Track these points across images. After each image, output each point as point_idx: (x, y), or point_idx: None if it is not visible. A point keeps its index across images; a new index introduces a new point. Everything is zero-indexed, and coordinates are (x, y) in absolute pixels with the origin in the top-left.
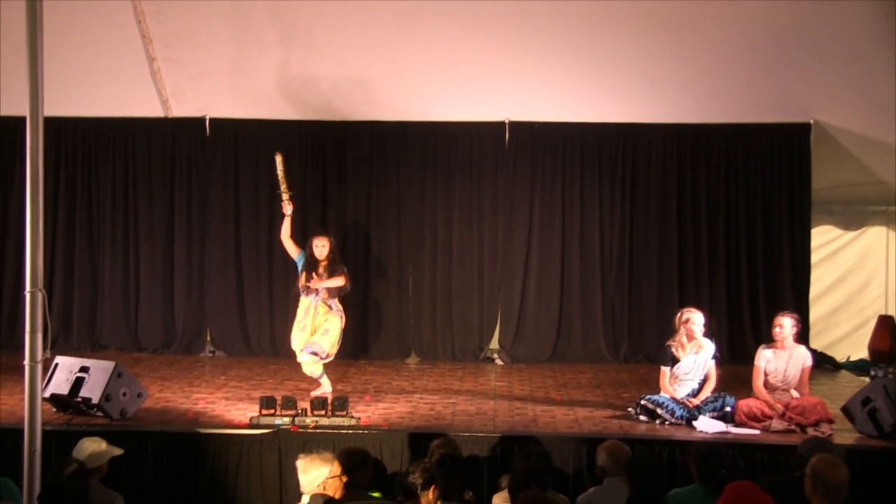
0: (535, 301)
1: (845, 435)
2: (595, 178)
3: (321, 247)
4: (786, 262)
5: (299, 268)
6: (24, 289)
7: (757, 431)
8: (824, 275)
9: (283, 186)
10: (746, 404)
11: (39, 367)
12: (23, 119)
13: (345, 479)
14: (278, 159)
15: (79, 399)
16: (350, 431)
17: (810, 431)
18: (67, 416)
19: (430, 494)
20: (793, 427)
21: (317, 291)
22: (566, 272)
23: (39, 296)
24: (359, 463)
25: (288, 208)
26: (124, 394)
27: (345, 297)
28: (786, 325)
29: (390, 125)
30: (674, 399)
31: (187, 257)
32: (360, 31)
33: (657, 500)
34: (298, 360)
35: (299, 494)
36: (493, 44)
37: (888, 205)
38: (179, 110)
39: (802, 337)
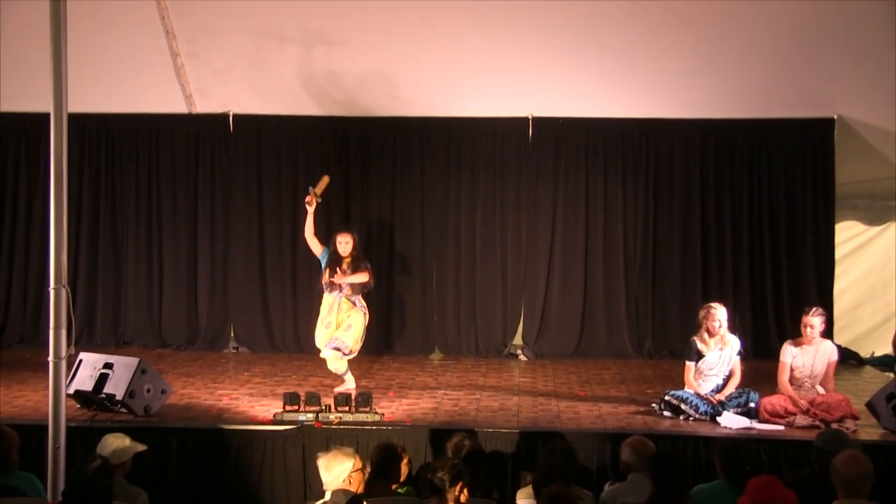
0: (559, 297)
1: (870, 430)
2: (619, 173)
3: (345, 243)
4: (810, 258)
5: (323, 265)
6: (48, 285)
7: (781, 427)
8: (848, 270)
9: (317, 191)
10: (770, 402)
11: (64, 364)
12: (48, 115)
13: (367, 471)
14: (325, 180)
15: (103, 395)
16: (374, 427)
17: (834, 427)
18: (91, 412)
19: (457, 491)
20: (817, 423)
21: (340, 288)
22: (590, 267)
23: (63, 292)
24: (392, 459)
25: (310, 201)
26: (148, 390)
27: (368, 294)
28: (816, 324)
29: (414, 121)
30: (698, 395)
31: (211, 253)
32: (385, 26)
33: (681, 495)
34: (322, 356)
35: (323, 491)
36: (517, 39)
37: None
38: (203, 106)
39: (827, 333)
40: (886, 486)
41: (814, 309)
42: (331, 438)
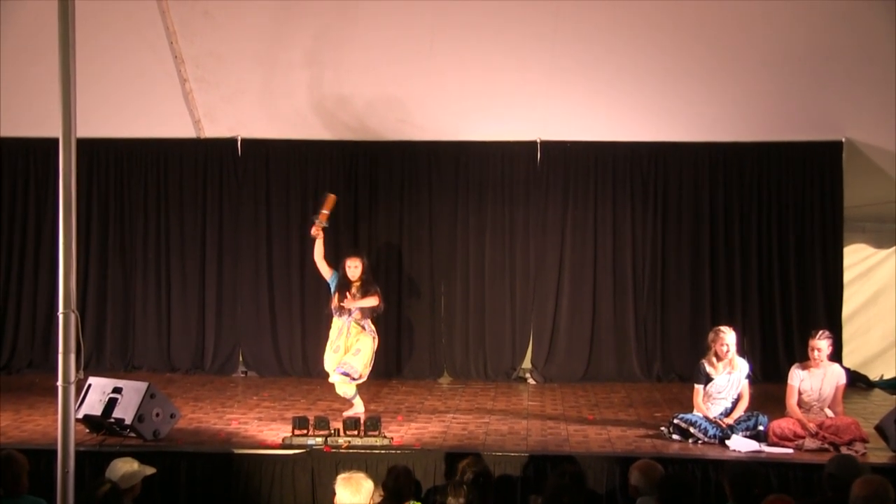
0: (568, 320)
1: (879, 454)
2: (627, 196)
3: (354, 267)
4: (818, 281)
5: (332, 289)
6: (57, 310)
7: (790, 450)
8: (857, 293)
9: (321, 217)
10: (779, 426)
11: (73, 388)
12: (56, 140)
13: (382, 494)
14: (331, 198)
15: (112, 420)
16: (383, 451)
17: (844, 450)
18: (100, 436)
19: None
20: (826, 446)
21: (350, 312)
22: (598, 291)
23: (72, 317)
24: (405, 480)
25: (317, 233)
26: (157, 414)
27: (377, 318)
28: (823, 347)
29: (422, 145)
30: (707, 418)
31: (219, 278)
32: (393, 51)
33: None
34: (331, 380)
35: None
36: (525, 63)
37: None
38: (212, 131)
39: (835, 356)
40: None
41: (820, 332)
42: (340, 462)
